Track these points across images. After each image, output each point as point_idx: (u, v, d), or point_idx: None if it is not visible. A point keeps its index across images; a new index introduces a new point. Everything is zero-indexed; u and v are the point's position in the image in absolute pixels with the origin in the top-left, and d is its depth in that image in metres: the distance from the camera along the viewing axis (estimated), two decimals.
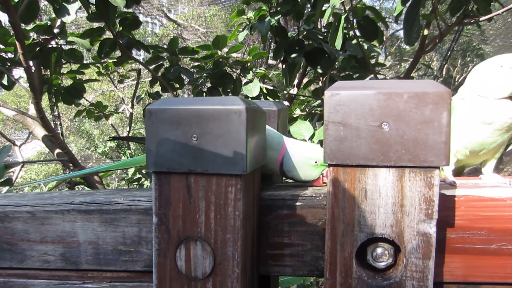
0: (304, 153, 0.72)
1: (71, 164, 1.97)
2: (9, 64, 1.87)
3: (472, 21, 1.64)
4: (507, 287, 0.52)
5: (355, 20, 1.76)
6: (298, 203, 0.55)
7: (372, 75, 2.44)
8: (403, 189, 0.46)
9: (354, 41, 1.92)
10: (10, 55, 1.83)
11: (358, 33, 1.76)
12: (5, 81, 1.83)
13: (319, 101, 2.58)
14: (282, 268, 0.56)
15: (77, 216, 0.56)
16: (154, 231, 0.52)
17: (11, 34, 1.74)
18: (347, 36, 1.92)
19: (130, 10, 2.14)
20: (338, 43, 1.43)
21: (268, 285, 0.68)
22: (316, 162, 0.71)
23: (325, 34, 2.05)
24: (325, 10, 1.72)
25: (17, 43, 1.33)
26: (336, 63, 2.25)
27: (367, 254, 0.50)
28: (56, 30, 1.88)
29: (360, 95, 0.46)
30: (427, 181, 0.45)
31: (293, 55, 1.97)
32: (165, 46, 2.22)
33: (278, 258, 0.56)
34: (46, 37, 1.81)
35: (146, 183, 2.58)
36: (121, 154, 10.30)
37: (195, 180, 0.50)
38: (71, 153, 1.72)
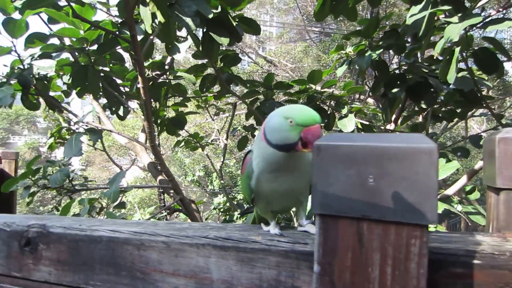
0: (278, 112, 0.71)
1: (172, 191, 2.06)
2: (124, 97, 2.06)
3: None
4: None
5: (466, 52, 1.63)
6: (476, 261, 0.47)
7: (480, 109, 2.24)
8: None
9: (460, 74, 1.79)
10: (126, 89, 2.02)
11: (471, 66, 1.62)
12: (120, 112, 2.01)
13: None
14: None
15: (211, 252, 0.54)
16: (315, 282, 0.46)
17: (129, 70, 1.92)
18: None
19: (231, 48, 2.25)
20: (451, 77, 1.32)
21: None
22: (291, 121, 0.69)
23: (430, 67, 1.93)
24: (434, 42, 1.62)
25: (140, 78, 1.45)
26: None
27: None
28: (166, 67, 2.04)
29: None
30: None
31: (395, 90, 1.88)
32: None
33: None
34: (158, 72, 1.96)
35: (237, 215, 2.60)
36: (208, 183, 10.74)
37: (368, 227, 0.44)
38: (175, 180, 1.80)
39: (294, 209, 0.93)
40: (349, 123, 2.15)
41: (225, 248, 0.53)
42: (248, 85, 2.25)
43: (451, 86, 1.97)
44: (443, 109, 2.21)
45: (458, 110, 2.14)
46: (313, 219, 0.78)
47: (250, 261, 0.52)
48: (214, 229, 0.57)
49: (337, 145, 0.46)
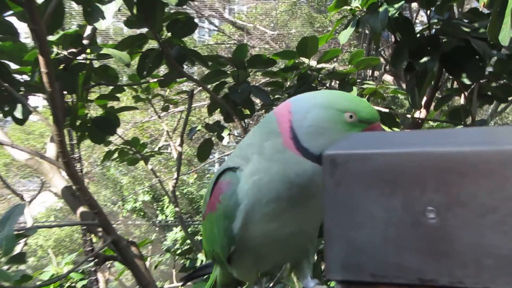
0: (321, 101, 0.72)
1: (100, 229, 2.01)
2: (23, 89, 2.00)
3: None
4: None
5: None
6: None
7: None
8: None
9: None
10: (26, 77, 1.96)
11: None
12: (18, 113, 1.95)
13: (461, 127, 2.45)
14: None
15: None
16: None
17: (28, 49, 1.87)
18: None
19: (182, 9, 2.23)
20: (505, 36, 1.34)
21: None
22: (351, 116, 0.70)
23: (473, 25, 1.96)
24: None
25: (40, 59, 1.40)
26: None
27: None
28: (85, 41, 1.99)
29: None
30: None
31: (424, 60, 1.89)
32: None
33: None
34: (73, 50, 1.91)
35: (201, 258, 2.57)
36: (157, 212, 10.66)
37: None
38: (103, 214, 1.75)
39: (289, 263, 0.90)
40: None
41: None
42: (210, 63, 2.23)
43: (503, 51, 2.00)
44: (494, 84, 2.24)
45: None
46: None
47: None
48: None
49: (367, 155, 0.42)
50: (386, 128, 2.34)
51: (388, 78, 5.87)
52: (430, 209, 0.38)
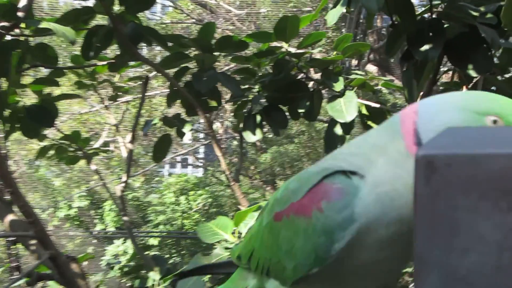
0: (462, 103, 0.68)
1: (32, 242, 1.96)
2: None
3: None
4: None
5: None
6: None
7: None
8: None
9: None
10: None
11: None
12: None
13: None
14: None
15: None
16: None
17: None
18: None
19: None
20: None
21: None
22: (495, 121, 0.64)
23: (480, 9, 1.97)
24: None
25: None
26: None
27: None
28: (19, 14, 1.93)
29: None
30: None
31: (425, 48, 1.90)
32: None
33: None
34: (4, 24, 1.85)
35: (153, 277, 2.54)
36: (96, 221, 10.51)
37: None
38: (40, 224, 1.71)
39: None
40: (347, 107, 2.16)
41: None
42: (170, 44, 2.19)
43: (511, 40, 2.02)
44: (500, 77, 2.27)
45: None
46: None
47: None
48: None
49: (477, 157, 0.38)
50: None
51: (371, 68, 5.91)
52: None
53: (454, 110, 0.67)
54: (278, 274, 0.83)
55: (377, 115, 2.36)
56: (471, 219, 0.39)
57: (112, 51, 2.72)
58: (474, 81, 2.20)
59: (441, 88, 2.64)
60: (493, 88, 2.28)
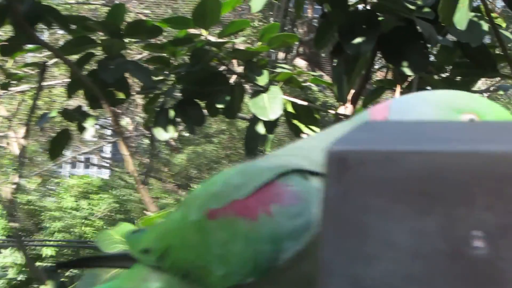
0: (437, 99, 0.71)
1: None
2: None
3: None
4: None
5: None
6: None
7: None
8: None
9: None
10: None
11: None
12: None
13: None
14: None
15: None
16: None
17: None
18: None
19: None
20: (462, 19, 1.41)
21: None
22: (472, 119, 0.66)
23: (417, 3, 2.05)
24: None
25: None
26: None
27: None
28: None
29: None
30: None
31: (358, 40, 1.95)
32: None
33: None
34: None
35: None
36: None
37: None
38: None
39: None
40: (271, 104, 2.18)
41: None
42: (73, 27, 2.17)
43: (448, 37, 2.09)
44: (436, 77, 2.35)
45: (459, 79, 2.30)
46: None
47: None
48: None
49: (393, 154, 0.37)
50: (302, 127, 2.39)
51: (300, 63, 5.96)
52: (476, 234, 0.35)
53: (428, 106, 0.69)
54: (201, 279, 0.81)
55: (305, 114, 2.40)
56: (382, 224, 0.39)
57: (5, 32, 2.67)
58: (409, 79, 2.27)
59: (374, 86, 2.72)
60: (428, 88, 2.36)
